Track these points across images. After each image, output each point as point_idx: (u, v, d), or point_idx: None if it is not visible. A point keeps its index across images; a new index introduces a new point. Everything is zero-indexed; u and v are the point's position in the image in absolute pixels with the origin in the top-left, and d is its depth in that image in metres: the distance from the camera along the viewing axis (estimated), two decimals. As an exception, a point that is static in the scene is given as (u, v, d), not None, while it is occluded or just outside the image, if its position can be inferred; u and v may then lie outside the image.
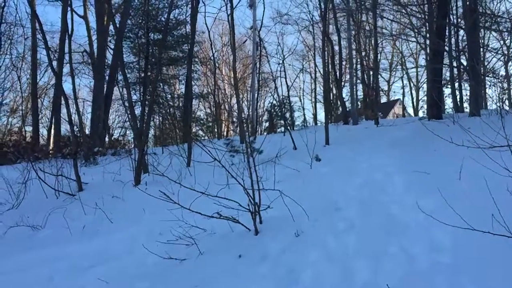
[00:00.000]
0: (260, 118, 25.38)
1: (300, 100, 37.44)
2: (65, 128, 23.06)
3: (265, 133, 22.59)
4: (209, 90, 29.01)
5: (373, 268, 3.43)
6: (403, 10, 16.81)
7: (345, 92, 26.27)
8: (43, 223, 6.69)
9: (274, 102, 21.57)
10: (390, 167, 6.67)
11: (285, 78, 19.42)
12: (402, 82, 38.36)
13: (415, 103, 37.84)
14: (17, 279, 4.72)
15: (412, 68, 36.56)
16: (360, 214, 4.70)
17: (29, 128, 26.55)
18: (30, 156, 11.07)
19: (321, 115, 39.93)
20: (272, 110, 21.09)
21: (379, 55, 27.73)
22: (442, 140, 5.95)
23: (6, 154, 14.23)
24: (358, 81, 25.68)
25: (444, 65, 13.81)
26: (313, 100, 36.31)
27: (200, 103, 29.03)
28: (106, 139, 18.69)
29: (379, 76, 29.93)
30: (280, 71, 24.22)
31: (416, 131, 10.60)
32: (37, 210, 7.27)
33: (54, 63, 13.76)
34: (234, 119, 29.94)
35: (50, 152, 14.81)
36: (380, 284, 3.18)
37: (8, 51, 27.01)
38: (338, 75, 21.52)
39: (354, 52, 20.00)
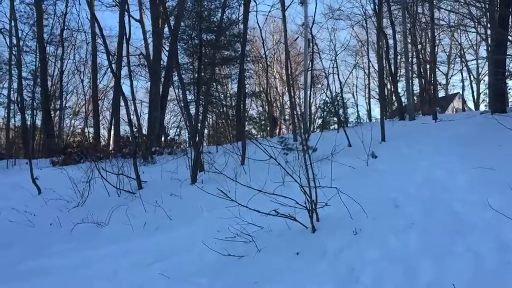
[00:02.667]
0: (313, 116, 25.20)
1: (354, 97, 36.77)
2: (124, 128, 23.95)
3: (318, 131, 22.40)
4: (262, 89, 29.17)
5: (437, 268, 3.31)
6: (462, 0, 16.10)
7: (401, 87, 25.50)
8: (106, 220, 6.96)
9: (327, 99, 21.35)
10: (452, 164, 6.42)
11: (338, 74, 19.05)
12: (462, 75, 36.66)
13: (475, 97, 36.09)
14: (84, 274, 4.93)
15: (472, 60, 34.83)
16: (422, 212, 4.56)
17: (90, 130, 27.82)
18: (93, 156, 11.56)
19: (375, 111, 39.08)
20: (325, 107, 20.88)
21: (436, 47, 26.72)
22: (507, 135, 5.68)
23: (70, 154, 14.95)
24: (414, 75, 24.87)
25: (508, 56, 13.09)
26: (367, 96, 35.56)
27: (253, 101, 29.26)
28: (163, 138, 19.21)
29: (437, 70, 28.84)
30: (333, 67, 23.87)
31: (478, 125, 10.13)
32: (100, 208, 7.58)
33: (113, 66, 14.30)
34: (287, 117, 29.92)
35: (111, 152, 15.41)
36: (445, 284, 3.07)
37: (71, 56, 28.47)
38: (393, 69, 20.90)
39: (409, 46, 19.39)
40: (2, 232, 7.47)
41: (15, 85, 22.06)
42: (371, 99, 35.32)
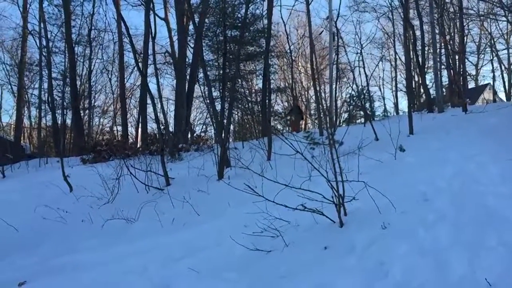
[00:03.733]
0: (339, 110, 24.96)
1: (380, 90, 36.26)
2: (151, 126, 24.28)
3: (344, 125, 22.20)
4: (287, 84, 29.07)
5: (469, 262, 3.24)
6: (492, -12, 15.66)
7: (429, 79, 25.02)
8: (136, 216, 7.09)
9: (353, 93, 21.12)
10: (483, 156, 6.27)
11: (364, 67, 18.85)
12: (492, 65, 35.60)
13: (507, 88, 35.07)
14: (115, 269, 5.03)
15: (503, 49, 33.79)
16: (452, 205, 4.47)
17: (119, 128, 28.30)
18: (121, 154, 11.77)
19: (403, 104, 38.55)
20: (351, 101, 20.67)
21: (465, 37, 26.07)
22: (542, 125, 5.50)
23: (100, 152, 15.25)
24: (443, 66, 24.31)
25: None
26: (394, 89, 35.02)
27: (278, 97, 29.19)
28: (189, 135, 19.39)
29: (466, 60, 28.12)
30: (359, 60, 23.61)
31: (510, 117, 9.86)
32: (130, 204, 7.72)
33: (140, 65, 14.50)
34: (313, 112, 29.75)
35: (139, 149, 15.65)
36: (478, 278, 3.01)
37: (98, 55, 28.99)
38: (420, 61, 20.50)
39: (437, 36, 18.94)
40: (36, 229, 7.70)
41: (45, 85, 22.65)
42: (398, 92, 34.79)
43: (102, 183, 9.04)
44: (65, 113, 24.14)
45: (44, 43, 20.53)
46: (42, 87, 23.64)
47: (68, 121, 25.04)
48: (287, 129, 26.31)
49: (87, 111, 27.59)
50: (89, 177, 9.95)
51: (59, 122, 22.29)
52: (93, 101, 29.49)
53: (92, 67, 27.87)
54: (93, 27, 25.77)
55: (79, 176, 10.78)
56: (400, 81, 34.44)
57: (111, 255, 5.56)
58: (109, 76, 30.71)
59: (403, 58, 29.86)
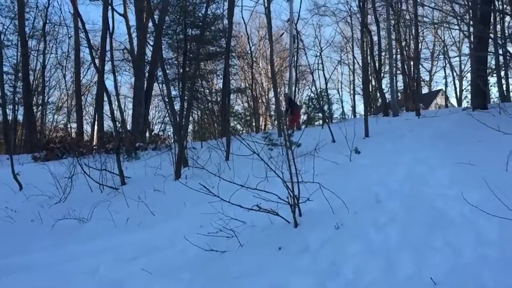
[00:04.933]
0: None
1: (338, 93, 37.04)
2: (107, 124, 23.74)
3: (302, 126, 22.46)
4: (247, 84, 29.14)
5: (416, 262, 3.35)
6: (445, -3, 16.27)
7: (385, 83, 25.75)
8: (89, 216, 6.91)
9: (312, 95, 21.42)
10: (434, 159, 6.50)
11: (323, 70, 19.28)
12: (445, 71, 37.05)
13: (458, 93, 36.55)
14: (65, 270, 4.89)
15: (455, 57, 35.28)
16: (403, 207, 4.60)
17: (73, 125, 27.52)
18: (76, 152, 11.43)
19: (360, 107, 39.40)
20: (310, 103, 20.94)
21: (420, 44, 26.98)
22: (488, 131, 5.76)
23: (53, 150, 14.78)
24: (398, 71, 25.13)
25: (489, 53, 13.28)
26: (352, 92, 35.84)
27: (238, 97, 29.23)
28: (147, 134, 19.09)
29: (420, 66, 29.10)
30: (318, 63, 24.00)
31: (460, 122, 10.27)
32: (83, 204, 7.51)
33: (97, 61, 14.14)
34: (272, 113, 29.95)
35: (94, 147, 15.27)
36: (424, 277, 3.11)
37: (53, 50, 28.08)
38: (377, 66, 21.08)
39: (393, 42, 19.54)
40: (-17, 228, 7.36)
41: (-4, 79, 21.69)
42: (356, 95, 35.62)
43: (54, 182, 8.76)
44: (16, 108, 23.29)
45: (-5, 35, 19.68)
46: (-8, 81, 22.63)
47: (20, 117, 24.13)
48: (246, 129, 26.37)
49: (40, 107, 26.66)
50: (41, 175, 9.62)
51: (10, 118, 21.43)
52: (46, 97, 28.53)
53: (46, 62, 26.98)
54: (48, 21, 24.94)
55: (30, 174, 10.42)
56: (358, 84, 35.31)
57: (62, 256, 5.41)
58: (64, 72, 29.83)
59: (360, 62, 30.61)
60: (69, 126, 28.67)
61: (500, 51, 14.57)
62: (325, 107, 19.85)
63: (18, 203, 8.45)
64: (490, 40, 13.01)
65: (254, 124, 28.09)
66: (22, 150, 20.55)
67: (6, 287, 4.55)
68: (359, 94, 35.91)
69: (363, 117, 12.20)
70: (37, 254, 5.65)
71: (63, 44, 31.84)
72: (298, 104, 18.85)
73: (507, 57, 14.19)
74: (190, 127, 24.94)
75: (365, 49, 17.62)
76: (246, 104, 31.44)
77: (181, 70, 18.34)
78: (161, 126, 28.29)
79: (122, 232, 6.05)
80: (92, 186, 8.93)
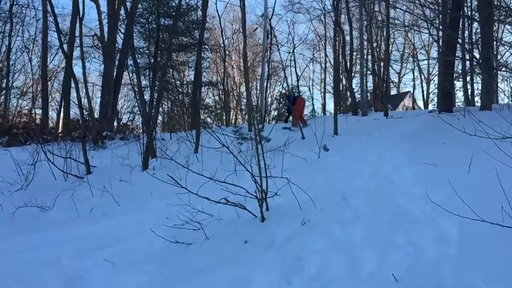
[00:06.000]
0: (269, 107, 25.28)
1: (309, 90, 37.24)
2: (74, 111, 23.18)
3: (273, 122, 22.54)
4: (219, 78, 29.00)
5: (379, 258, 3.42)
6: (417, 1, 16.60)
7: (355, 83, 26.10)
8: (51, 204, 6.73)
9: (283, 91, 21.50)
10: (399, 159, 6.65)
11: (295, 67, 19.41)
12: (413, 74, 38.04)
13: (425, 96, 37.48)
14: (25, 258, 4.74)
15: (424, 60, 36.10)
16: (368, 204, 4.69)
17: (38, 111, 26.73)
18: (39, 138, 11.13)
19: (330, 106, 39.81)
20: (281, 99, 21.01)
21: (390, 46, 27.50)
22: (452, 133, 5.91)
23: (15, 135, 14.35)
24: (369, 72, 25.49)
25: (456, 58, 13.65)
26: (323, 90, 36.07)
27: (209, 90, 29.04)
28: (115, 123, 18.74)
29: (390, 68, 29.66)
30: (290, 60, 24.11)
31: (426, 123, 10.53)
32: (45, 192, 7.33)
33: (65, 46, 13.76)
34: (243, 107, 29.93)
35: (59, 134, 14.89)
36: (386, 274, 3.18)
37: (19, 33, 27.15)
38: (348, 65, 21.31)
39: (365, 43, 19.79)
40: None
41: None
42: (327, 94, 35.90)
43: (16, 168, 8.50)
44: (-22, 91, 22.44)
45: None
46: (-46, 62, 21.76)
47: (-18, 101, 23.27)
48: (217, 123, 26.26)
49: (3, 91, 25.77)
50: (2, 161, 9.34)
51: (-29, 101, 20.64)
52: (11, 81, 27.56)
53: (12, 45, 26.02)
54: (15, 2, 24.07)
55: (-10, 160, 10.05)
56: (329, 83, 35.56)
57: (22, 244, 5.23)
58: (30, 56, 28.90)
59: (332, 61, 30.92)
60: (33, 112, 27.82)
61: (467, 56, 15.01)
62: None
63: (-24, 189, 8.16)
64: (458, 45, 13.38)
65: (224, 117, 28.00)
66: (-17, 135, 19.82)
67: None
68: (329, 92, 36.23)
69: (333, 115, 12.35)
70: (-6, 242, 5.47)
71: (31, 27, 30.86)
72: (301, 96, 18.01)
73: (473, 62, 14.62)
74: (160, 118, 24.64)
75: (337, 48, 17.80)
76: (217, 98, 31.32)
77: (152, 60, 18.06)
78: (129, 116, 27.83)
79: (85, 222, 5.91)
80: (56, 174, 8.72)
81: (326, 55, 33.56)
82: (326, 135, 9.24)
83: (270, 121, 23.57)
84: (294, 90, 20.42)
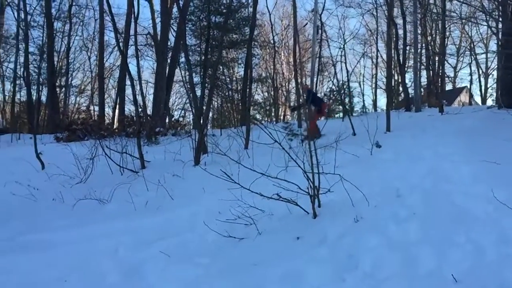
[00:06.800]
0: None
1: (360, 86, 36.63)
2: (128, 108, 23.95)
3: (322, 118, 22.31)
4: (268, 74, 29.04)
5: (437, 258, 3.32)
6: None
7: (408, 78, 25.34)
8: (109, 197, 7.00)
9: (333, 87, 21.25)
10: (456, 156, 6.40)
11: (345, 63, 19.06)
12: (470, 68, 36.30)
13: (483, 91, 35.85)
14: (85, 249, 4.97)
15: (482, 54, 34.50)
16: (424, 202, 4.55)
17: (95, 107, 27.83)
18: (97, 134, 11.58)
19: (381, 102, 38.89)
20: (331, 95, 20.79)
21: (446, 39, 26.50)
22: (514, 130, 5.64)
23: (75, 131, 15.00)
24: (423, 67, 24.68)
25: (518, 51, 12.94)
26: (374, 86, 35.38)
27: (258, 86, 29.17)
28: (167, 119, 19.20)
29: (445, 62, 28.57)
30: (341, 55, 23.73)
31: (485, 119, 10.10)
32: (103, 185, 7.62)
33: (120, 45, 14.23)
34: (292, 104, 29.82)
35: (115, 130, 15.43)
36: (444, 273, 3.08)
37: (78, 32, 28.36)
38: (401, 60, 20.73)
39: (419, 37, 19.19)
40: (5, 205, 7.53)
41: (21, 59, 22.09)
42: (378, 89, 35.17)
43: (76, 163, 8.88)
44: (40, 89, 23.63)
45: (22, 16, 19.96)
46: (18, 61, 23.05)
47: (43, 98, 24.50)
48: (266, 119, 26.32)
49: (63, 89, 27.00)
50: (63, 155, 9.76)
51: (34, 98, 21.78)
52: (70, 79, 28.87)
53: (71, 44, 27.24)
54: (74, 3, 25.16)
55: (52, 154, 10.56)
56: (380, 78, 34.86)
57: (82, 235, 5.49)
58: (89, 54, 30.12)
59: (384, 56, 30.21)
60: (91, 108, 29.01)
61: (530, 49, 14.20)
62: (346, 100, 19.67)
63: (40, 181, 8.59)
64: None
65: (273, 114, 28.03)
66: (44, 130, 20.89)
67: (30, 263, 4.65)
68: (381, 88, 35.51)
69: (385, 111, 12.07)
70: (57, 232, 5.76)
71: (88, 26, 32.09)
72: (323, 97, 17.29)
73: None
74: (210, 114, 24.99)
75: (390, 42, 17.36)
76: (266, 94, 31.40)
77: (203, 57, 18.33)
78: (181, 112, 28.45)
79: (141, 215, 6.11)
80: (113, 168, 9.04)
81: (377, 50, 32.90)
82: (379, 131, 9.03)
83: (320, 118, 23.34)
84: (344, 86, 20.08)
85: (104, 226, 5.78)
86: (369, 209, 4.65)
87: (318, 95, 15.46)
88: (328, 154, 7.05)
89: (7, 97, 28.40)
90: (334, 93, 20.50)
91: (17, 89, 24.49)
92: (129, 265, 4.39)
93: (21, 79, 23.00)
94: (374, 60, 35.07)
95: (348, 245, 3.90)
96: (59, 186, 8.07)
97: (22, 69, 22.32)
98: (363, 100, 31.74)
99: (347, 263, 3.58)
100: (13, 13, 23.72)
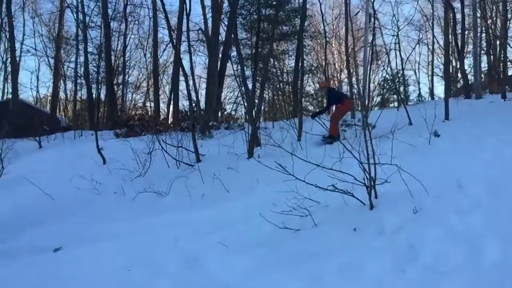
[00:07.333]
0: (372, 93, 24.49)
1: (416, 74, 35.33)
2: (182, 103, 24.47)
3: (376, 109, 21.83)
4: (319, 65, 28.72)
5: (503, 250, 3.17)
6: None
7: (467, 64, 24.23)
8: (167, 190, 7.22)
9: (387, 76, 20.70)
10: (523, 144, 6.06)
11: (399, 50, 18.54)
12: (535, 52, 34.17)
13: (550, 76, 33.65)
14: (146, 240, 5.16)
15: (548, 36, 32.36)
16: (488, 192, 4.35)
17: (151, 103, 28.62)
18: (154, 129, 11.93)
19: (438, 90, 37.56)
20: (385, 84, 20.28)
21: (508, 22, 25.04)
22: None
23: (132, 127, 15.52)
24: (483, 51, 23.54)
25: None
26: (430, 73, 34.07)
27: (310, 78, 28.90)
28: (220, 113, 19.45)
29: (508, 46, 27.07)
30: (395, 43, 23.07)
31: (553, 106, 9.49)
32: (161, 178, 7.86)
33: (174, 41, 14.52)
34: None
35: (170, 125, 15.83)
36: (512, 266, 2.95)
37: (133, 31, 29.26)
38: (460, 45, 19.85)
39: (478, 20, 18.29)
40: (71, 198, 7.96)
41: (81, 59, 23.09)
42: (435, 77, 33.82)
43: (134, 157, 9.20)
44: (99, 87, 24.62)
45: (81, 17, 20.84)
46: (78, 61, 24.11)
47: (102, 96, 25.50)
48: (318, 110, 26.03)
49: (120, 86, 27.98)
50: (122, 150, 10.13)
51: (94, 96, 22.71)
52: (127, 77, 29.86)
53: (127, 42, 28.13)
54: (128, 2, 25.95)
55: (112, 149, 11.00)
56: (437, 65, 33.44)
57: (143, 227, 5.72)
58: (144, 52, 31.02)
59: (441, 42, 29.03)
60: (147, 104, 29.89)
61: None
62: (401, 89, 19.10)
63: (102, 176, 9.00)
64: None
65: (325, 105, 27.70)
66: (104, 127, 21.76)
67: (96, 253, 4.91)
68: (437, 75, 34.10)
69: (443, 99, 11.63)
70: (119, 224, 6.03)
71: (143, 24, 32.99)
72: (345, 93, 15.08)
73: None
74: (262, 107, 25.09)
75: (447, 27, 16.67)
76: (318, 85, 31.05)
77: (254, 51, 18.40)
78: (233, 106, 28.73)
79: (198, 207, 6.27)
80: (170, 162, 9.30)
81: (434, 36, 31.59)
82: (437, 120, 8.73)
83: (373, 108, 22.84)
84: (399, 75, 19.52)
85: (163, 218, 5.98)
86: (429, 200, 4.51)
87: (372, 84, 14.34)
88: (384, 144, 6.88)
89: (69, 96, 29.84)
90: (388, 82, 19.96)
91: (78, 87, 25.68)
92: (189, 255, 4.52)
93: (81, 78, 24.05)
94: (430, 47, 33.71)
95: (407, 236, 3.81)
96: (120, 180, 8.41)
97: (82, 68, 23.35)
98: (419, 89, 30.53)
99: (407, 255, 3.50)
100: (73, 15, 24.81)
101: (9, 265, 4.96)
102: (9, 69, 26.34)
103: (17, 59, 26.32)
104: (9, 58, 24.54)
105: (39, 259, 5.00)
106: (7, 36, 23.93)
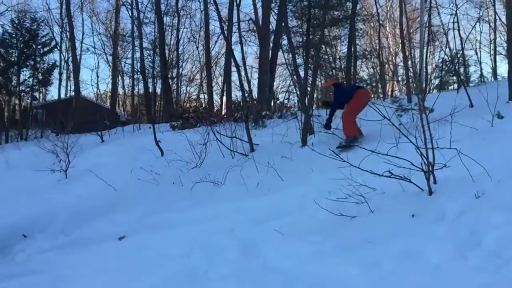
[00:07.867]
0: (430, 76, 23.62)
1: (477, 54, 33.61)
2: (234, 94, 24.72)
3: (434, 92, 21.05)
4: (373, 49, 28.03)
5: None
6: None
7: (533, 40, 22.73)
8: (223, 180, 7.35)
9: (446, 57, 19.89)
10: None
11: (458, 30, 17.68)
12: None
13: None
14: (205, 228, 5.31)
15: None
16: (559, 175, 4.12)
17: (204, 95, 29.18)
18: (208, 121, 12.15)
19: (502, 69, 35.47)
20: (444, 66, 19.49)
21: None
22: None
23: (187, 119, 15.88)
24: (551, 26, 21.97)
25: None
26: (492, 52, 32.30)
27: (363, 63, 28.28)
28: (272, 103, 19.48)
29: None
30: (453, 22, 22.04)
31: None
32: (216, 168, 8.00)
33: (225, 32, 14.68)
34: (400, 78, 28.51)
35: (224, 116, 16.05)
36: None
37: (186, 24, 29.86)
38: (524, 21, 18.65)
39: (545, -8, 17.06)
40: (132, 189, 8.31)
41: (137, 55, 23.88)
42: (497, 56, 32.04)
43: (190, 148, 9.42)
44: (155, 81, 25.37)
45: (135, 14, 21.52)
46: (134, 56, 24.96)
47: (158, 90, 26.27)
48: (372, 96, 25.47)
49: (175, 80, 28.68)
50: (178, 142, 10.41)
51: (150, 90, 23.43)
52: (181, 70, 30.54)
53: (180, 36, 28.73)
54: (180, -4, 26.45)
55: (169, 142, 11.30)
56: (499, 43, 31.63)
57: (201, 215, 5.88)
58: (196, 45, 31.60)
59: (504, 19, 27.39)
60: (201, 96, 30.49)
61: None
62: (461, 70, 18.29)
63: (160, 167, 9.29)
64: None
65: (380, 90, 27.05)
66: (161, 120, 22.44)
67: (157, 241, 5.12)
68: (501, 54, 32.27)
69: (506, 79, 11.02)
70: (179, 213, 6.23)
71: (195, 18, 33.60)
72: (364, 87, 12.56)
73: None
74: (315, 95, 24.87)
75: (510, 2, 15.71)
76: (372, 70, 30.36)
77: (305, 38, 18.22)
78: (285, 95, 28.69)
79: (253, 195, 6.35)
80: (224, 152, 9.45)
81: (495, 13, 29.83)
82: (500, 101, 8.29)
83: (431, 91, 22.01)
84: (458, 55, 18.69)
85: (220, 207, 6.11)
86: (491, 184, 4.32)
87: (429, 66, 13.58)
88: (442, 128, 6.66)
89: (127, 91, 31.03)
90: (447, 63, 19.17)
91: (135, 83, 26.62)
92: (246, 242, 4.61)
93: (138, 73, 24.87)
94: (492, 24, 31.90)
95: (469, 222, 3.68)
96: (177, 171, 8.67)
97: (138, 64, 24.13)
98: (481, 69, 29.04)
99: (469, 241, 3.39)
100: (128, 12, 25.69)
101: (80, 252, 5.30)
102: (71, 67, 27.72)
103: (78, 57, 27.63)
104: (71, 57, 25.80)
105: (106, 247, 5.30)
106: (68, 36, 25.19)
